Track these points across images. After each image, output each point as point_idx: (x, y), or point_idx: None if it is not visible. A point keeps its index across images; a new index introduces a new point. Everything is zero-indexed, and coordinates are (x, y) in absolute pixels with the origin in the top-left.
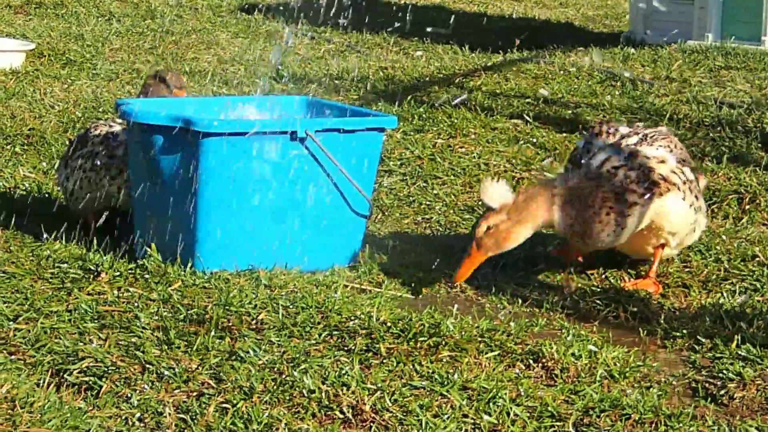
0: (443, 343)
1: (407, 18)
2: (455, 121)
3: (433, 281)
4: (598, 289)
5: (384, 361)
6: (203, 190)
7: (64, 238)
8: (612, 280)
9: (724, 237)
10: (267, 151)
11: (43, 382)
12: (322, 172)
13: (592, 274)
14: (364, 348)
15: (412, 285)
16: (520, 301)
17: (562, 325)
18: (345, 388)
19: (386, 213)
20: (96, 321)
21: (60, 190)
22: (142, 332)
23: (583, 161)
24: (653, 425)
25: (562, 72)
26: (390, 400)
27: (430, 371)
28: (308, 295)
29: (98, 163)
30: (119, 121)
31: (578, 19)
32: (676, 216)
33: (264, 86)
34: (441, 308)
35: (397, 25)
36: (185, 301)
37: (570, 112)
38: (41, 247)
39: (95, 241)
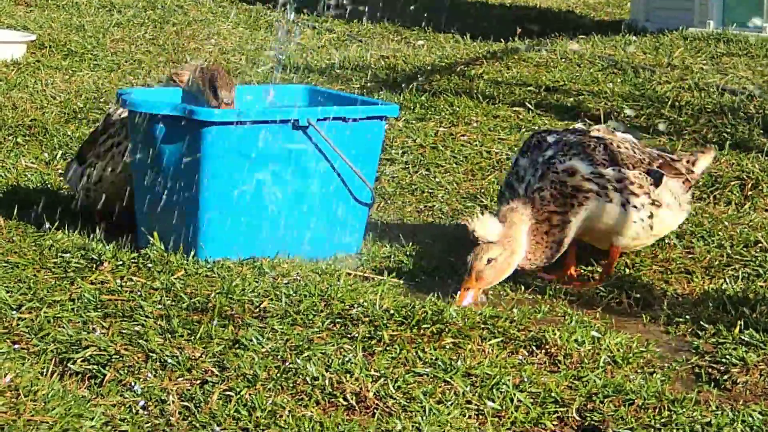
0: (446, 330)
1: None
2: (457, 109)
3: (435, 269)
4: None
5: (387, 348)
6: (205, 179)
7: (66, 228)
8: (614, 267)
9: (726, 223)
10: (269, 140)
11: (47, 371)
12: (324, 160)
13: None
14: (367, 335)
15: (415, 273)
16: (522, 287)
17: (565, 311)
18: (348, 376)
19: (388, 201)
20: (99, 310)
21: (74, 187)
22: (145, 321)
23: (515, 188)
24: (656, 410)
25: (563, 60)
26: (393, 387)
27: (434, 358)
28: (311, 283)
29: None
30: None
31: (580, 6)
32: (607, 218)
33: (265, 76)
34: (444, 295)
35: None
36: (188, 289)
37: (572, 99)
38: (44, 237)
39: (97, 231)
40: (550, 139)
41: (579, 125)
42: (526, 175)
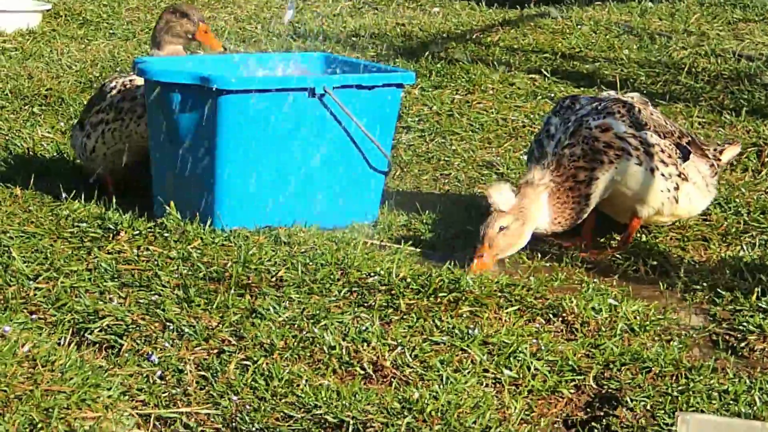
0: (463, 298)
1: None
2: (473, 76)
3: (452, 237)
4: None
5: (404, 317)
6: (222, 148)
7: (83, 197)
8: (632, 238)
9: (743, 190)
10: (285, 108)
11: (64, 341)
12: (340, 128)
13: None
14: (384, 304)
15: (432, 241)
16: (539, 255)
17: (582, 279)
18: (365, 344)
19: (405, 169)
20: (116, 280)
21: (77, 153)
22: (162, 290)
23: (544, 145)
24: (674, 378)
25: (579, 26)
26: (410, 355)
27: (451, 326)
28: (328, 252)
29: (123, 107)
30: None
31: None
32: (634, 181)
33: (281, 44)
34: (461, 263)
35: None
36: (205, 259)
37: (588, 66)
38: (60, 207)
39: (114, 201)
40: (584, 100)
41: (611, 92)
42: (557, 133)
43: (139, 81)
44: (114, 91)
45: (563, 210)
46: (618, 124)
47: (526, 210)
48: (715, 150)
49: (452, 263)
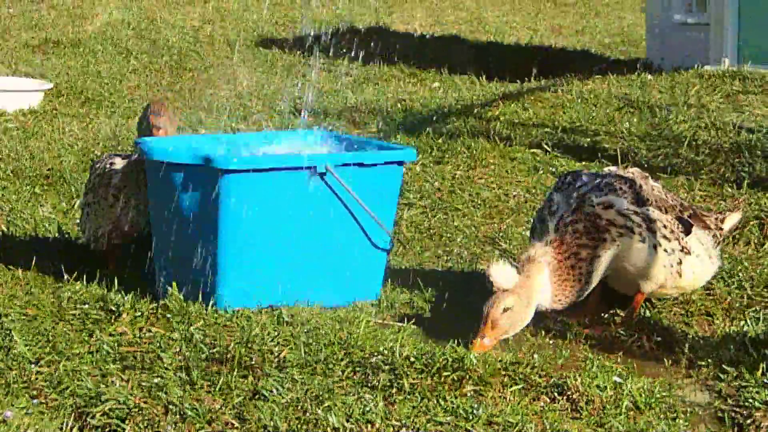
0: (467, 377)
1: (424, 49)
2: (474, 152)
3: (455, 315)
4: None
5: (408, 396)
6: (224, 228)
7: (85, 278)
8: (636, 313)
9: (746, 263)
10: (287, 186)
11: (66, 426)
12: (342, 206)
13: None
14: (388, 383)
15: (435, 319)
16: (543, 332)
17: (587, 356)
18: (370, 426)
19: (407, 246)
20: (118, 362)
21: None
22: (164, 372)
23: (546, 221)
24: None
25: (579, 99)
26: None
27: (455, 406)
28: (330, 331)
29: (98, 191)
30: (120, 156)
31: (595, 46)
32: (637, 258)
33: (283, 120)
34: (464, 342)
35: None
36: (207, 339)
37: (589, 140)
38: (62, 288)
39: (116, 281)
40: (585, 177)
41: (613, 168)
42: (559, 210)
43: (118, 165)
44: (95, 174)
45: (564, 287)
46: (620, 201)
47: (530, 289)
48: (716, 219)
49: (456, 341)
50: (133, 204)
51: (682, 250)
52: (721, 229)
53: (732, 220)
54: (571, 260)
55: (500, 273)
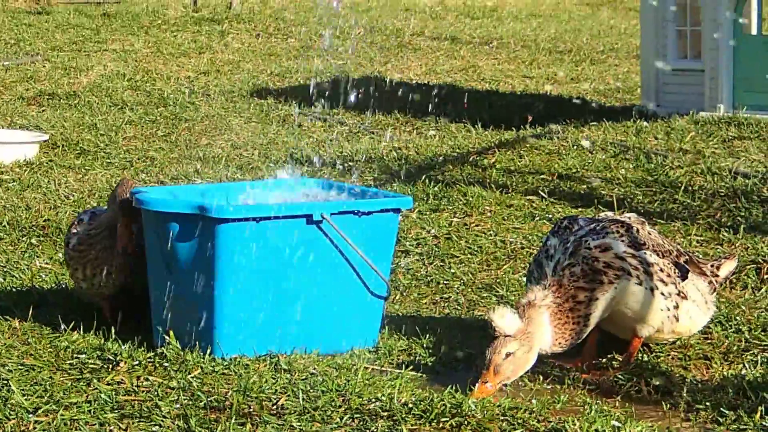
0: (466, 422)
1: (420, 98)
2: (470, 199)
3: (453, 361)
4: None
5: None
6: (220, 276)
7: (82, 328)
8: (634, 357)
9: (743, 307)
10: (283, 235)
11: None
12: (338, 254)
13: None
14: (386, 430)
15: (433, 365)
16: (541, 377)
17: (585, 400)
18: None
19: (404, 293)
20: (116, 411)
21: None
22: (162, 421)
23: (543, 266)
24: None
25: (575, 147)
26: None
27: None
28: (328, 379)
29: (61, 256)
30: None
31: (590, 93)
32: (634, 301)
33: (278, 170)
34: (462, 388)
35: (409, 104)
36: (205, 388)
37: (585, 186)
38: (59, 339)
39: (113, 330)
40: (582, 221)
41: (609, 213)
42: (556, 254)
43: (77, 227)
44: (76, 234)
45: (564, 330)
46: (617, 244)
47: (532, 335)
48: (712, 266)
49: (454, 387)
50: (99, 267)
51: (678, 294)
52: (717, 275)
53: (728, 267)
54: (569, 303)
55: (503, 319)
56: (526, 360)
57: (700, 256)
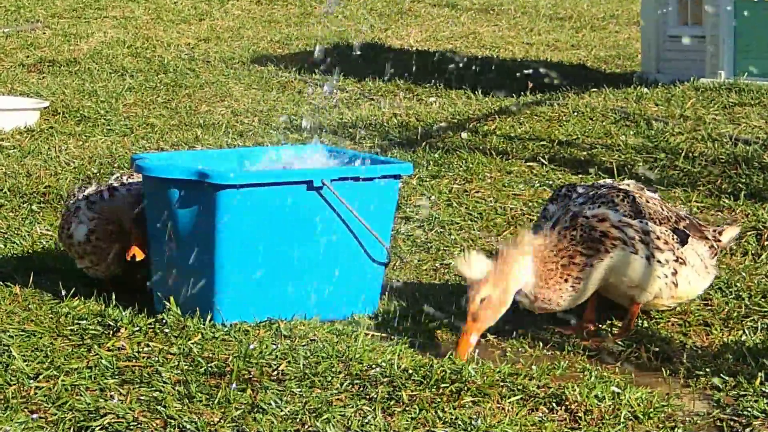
0: (465, 388)
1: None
2: (471, 165)
3: (453, 327)
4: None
5: (407, 408)
6: (220, 242)
7: (82, 295)
8: (633, 324)
9: (743, 274)
10: (284, 201)
11: None
12: (339, 220)
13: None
14: (386, 396)
15: (432, 331)
16: (541, 344)
17: (585, 366)
18: None
19: (404, 260)
20: (117, 377)
21: None
22: (163, 387)
23: (542, 226)
24: None
25: (576, 113)
26: None
27: (453, 417)
28: (329, 345)
29: (61, 236)
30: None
31: (590, 60)
32: (630, 270)
33: (278, 137)
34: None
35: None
36: (205, 354)
37: (585, 153)
38: (60, 305)
39: (113, 297)
40: (580, 189)
41: (608, 180)
42: (554, 216)
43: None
44: (72, 201)
45: (550, 279)
46: (614, 214)
47: (506, 273)
48: (714, 231)
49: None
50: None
51: (676, 261)
52: (719, 241)
53: (730, 233)
54: (564, 259)
55: (467, 265)
56: (503, 301)
57: (703, 221)
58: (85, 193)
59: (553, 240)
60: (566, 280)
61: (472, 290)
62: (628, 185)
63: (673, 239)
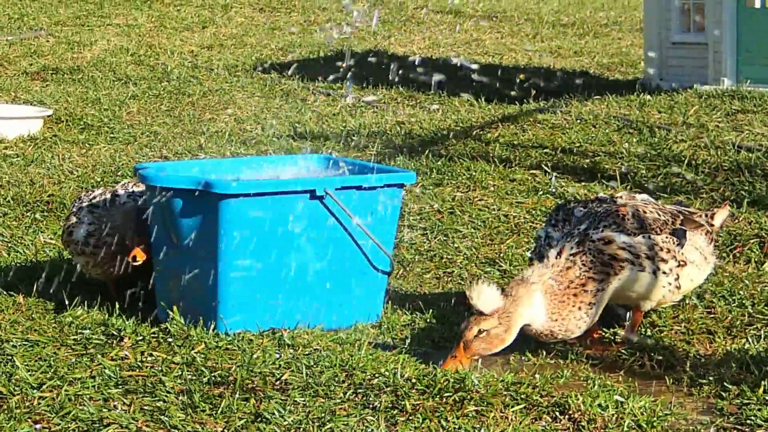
0: (469, 397)
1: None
2: (474, 173)
3: (456, 336)
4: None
5: (410, 418)
6: (224, 251)
7: (86, 304)
8: (637, 330)
9: (746, 281)
10: (287, 210)
11: None
12: (342, 229)
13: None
14: (390, 405)
15: (436, 340)
16: (544, 352)
17: (588, 375)
18: None
19: (407, 268)
20: (120, 386)
21: None
22: (166, 396)
23: (544, 253)
24: None
25: (578, 121)
26: None
27: (457, 427)
28: (332, 354)
29: (63, 236)
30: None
31: (593, 67)
32: (638, 286)
33: (281, 145)
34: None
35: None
36: (209, 363)
37: (588, 160)
38: (63, 314)
39: (117, 306)
40: (578, 212)
41: (601, 195)
42: (560, 243)
43: (77, 216)
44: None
45: (561, 311)
46: (618, 236)
47: (513, 313)
48: (707, 216)
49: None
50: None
51: (678, 265)
52: (713, 225)
53: (721, 215)
54: (574, 289)
55: (479, 297)
56: (502, 339)
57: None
58: (90, 197)
59: (561, 268)
60: (580, 308)
61: (475, 320)
62: (621, 197)
63: (674, 243)
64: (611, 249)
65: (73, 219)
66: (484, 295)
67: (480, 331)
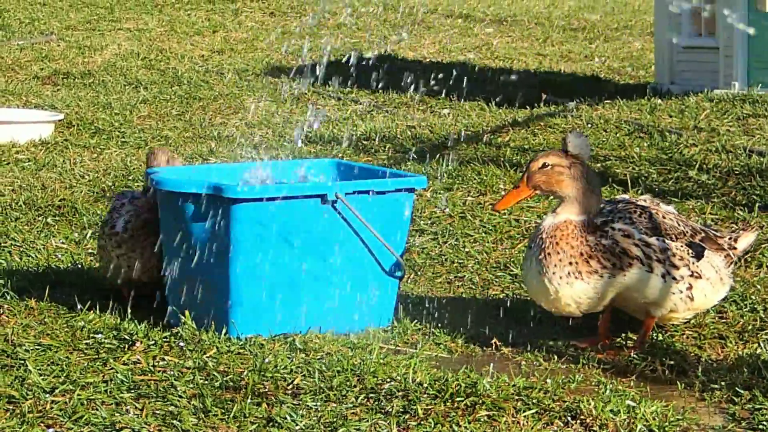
0: (480, 402)
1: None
2: (485, 178)
3: (468, 340)
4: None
5: (421, 422)
6: (235, 256)
7: (98, 308)
8: (648, 336)
9: (758, 286)
10: (297, 215)
11: None
12: (353, 234)
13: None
14: (401, 410)
15: (447, 344)
16: (555, 357)
17: (600, 380)
18: None
19: (419, 273)
20: (132, 391)
21: None
22: (178, 401)
23: None
24: None
25: (589, 125)
26: None
27: (468, 431)
28: (343, 358)
29: (104, 231)
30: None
31: (604, 71)
32: (645, 287)
33: (292, 149)
34: (477, 367)
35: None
36: (221, 368)
37: (599, 165)
38: (76, 318)
39: (129, 311)
40: (605, 210)
41: (625, 195)
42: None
43: (126, 206)
44: (111, 210)
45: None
46: (634, 231)
47: (573, 176)
48: (730, 239)
49: (469, 367)
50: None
51: (692, 275)
52: (735, 248)
53: (746, 239)
54: (585, 249)
55: (576, 138)
56: (559, 182)
57: (717, 230)
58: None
59: (588, 228)
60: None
61: (543, 154)
62: (644, 200)
63: (688, 254)
64: (626, 242)
65: (115, 215)
66: (580, 140)
67: (545, 165)
